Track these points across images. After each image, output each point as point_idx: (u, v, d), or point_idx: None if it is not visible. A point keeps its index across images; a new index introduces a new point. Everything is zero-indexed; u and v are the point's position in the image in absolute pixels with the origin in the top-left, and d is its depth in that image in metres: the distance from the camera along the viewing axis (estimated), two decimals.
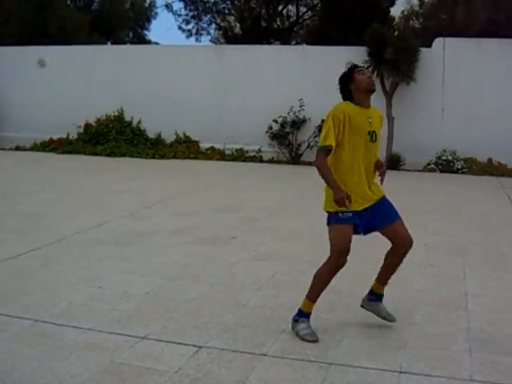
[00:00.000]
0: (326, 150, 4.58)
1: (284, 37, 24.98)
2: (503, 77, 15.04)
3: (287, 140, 15.98)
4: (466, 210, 10.15)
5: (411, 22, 21.25)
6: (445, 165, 14.92)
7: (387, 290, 5.29)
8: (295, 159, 15.98)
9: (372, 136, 4.65)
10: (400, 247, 4.78)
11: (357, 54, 15.33)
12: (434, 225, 8.94)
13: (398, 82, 15.16)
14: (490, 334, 4.82)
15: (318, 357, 4.31)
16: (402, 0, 21.07)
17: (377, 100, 14.99)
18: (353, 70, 4.77)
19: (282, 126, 15.91)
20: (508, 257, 7.25)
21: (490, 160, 15.02)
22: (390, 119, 15.13)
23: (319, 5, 24.16)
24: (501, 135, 14.72)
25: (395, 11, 21.81)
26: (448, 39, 15.44)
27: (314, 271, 6.33)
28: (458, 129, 15.19)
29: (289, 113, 15.84)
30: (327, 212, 4.78)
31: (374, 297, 4.98)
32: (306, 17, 25.61)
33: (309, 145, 15.94)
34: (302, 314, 4.75)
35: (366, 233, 4.82)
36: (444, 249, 7.50)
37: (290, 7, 25.41)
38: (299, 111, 15.79)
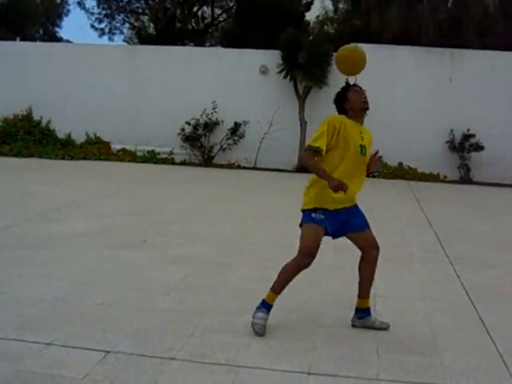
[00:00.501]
0: (314, 151, 4.77)
1: (199, 38, 24.96)
2: (415, 83, 15.51)
3: (199, 142, 16.00)
4: (376, 213, 10.36)
5: (326, 27, 21.62)
6: None
7: (296, 292, 5.45)
8: (207, 162, 16.01)
9: (362, 149, 4.89)
10: (372, 249, 5.16)
11: (271, 58, 15.57)
12: None
13: (310, 86, 15.39)
14: (396, 335, 4.97)
15: (227, 360, 4.35)
16: (318, 5, 21.42)
17: (290, 104, 15.45)
18: (347, 89, 5.03)
19: (195, 128, 15.92)
20: (415, 258, 7.49)
21: (400, 164, 15.48)
22: (303, 123, 15.37)
23: (234, 7, 24.29)
24: (411, 140, 15.22)
25: (310, 16, 22.14)
26: (361, 45, 15.69)
27: (223, 274, 6.45)
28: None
29: (202, 115, 15.86)
30: (302, 212, 4.96)
31: (363, 313, 5.15)
32: (221, 19, 25.67)
33: (221, 147, 16.02)
34: (264, 305, 4.97)
35: (336, 236, 5.10)
36: (353, 251, 7.61)
37: (205, 9, 25.40)
38: (212, 113, 15.84)
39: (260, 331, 4.84)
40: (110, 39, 25.92)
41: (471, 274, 6.86)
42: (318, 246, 4.85)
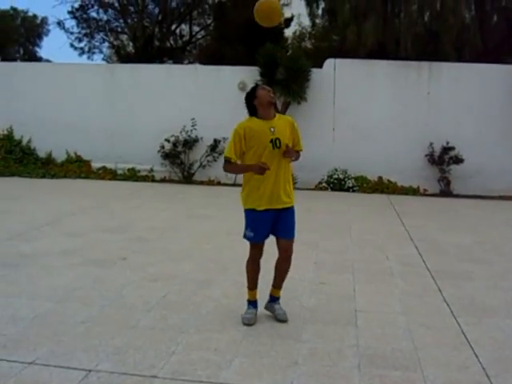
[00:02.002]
0: (228, 161, 5.40)
1: (177, 56, 25.01)
2: (393, 96, 15.60)
3: (179, 159, 15.96)
4: (356, 228, 10.42)
5: (303, 42, 21.72)
6: (336, 183, 15.28)
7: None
8: (187, 178, 15.98)
9: (275, 143, 5.31)
10: (284, 259, 5.63)
11: (249, 74, 15.58)
12: (323, 243, 9.11)
13: (289, 101, 15.42)
14: (378, 350, 4.98)
15: (209, 377, 4.35)
16: (296, 21, 21.54)
17: None
18: (256, 87, 5.48)
19: (175, 145, 15.88)
20: (395, 272, 7.49)
21: (380, 178, 15.51)
22: None
23: (212, 24, 24.38)
24: (390, 154, 15.29)
25: (289, 32, 22.26)
26: (338, 60, 15.86)
27: (204, 291, 6.45)
28: (348, 148, 15.62)
29: (181, 132, 15.84)
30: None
31: (271, 299, 5.79)
32: (199, 36, 25.76)
33: (201, 164, 16.00)
34: (248, 302, 5.64)
35: (268, 235, 5.55)
36: (334, 266, 7.66)
37: (183, 26, 25.48)
38: (191, 130, 15.83)
39: (248, 322, 5.45)
40: (90, 58, 25.95)
41: (452, 287, 6.89)
42: (259, 248, 5.55)
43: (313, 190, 15.32)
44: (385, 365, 4.69)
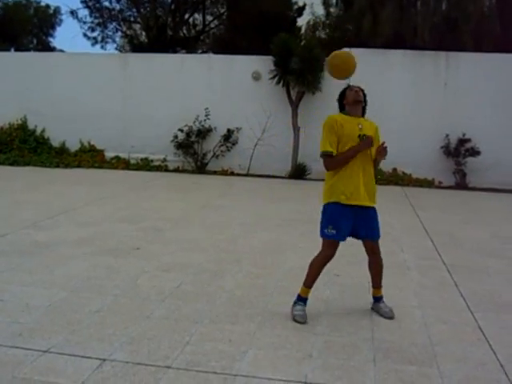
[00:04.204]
0: (327, 155, 5.32)
1: (190, 45, 24.94)
2: (409, 87, 15.49)
3: (193, 149, 15.96)
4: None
5: (317, 32, 21.59)
6: None
7: (291, 300, 5.48)
8: (201, 168, 15.98)
9: (362, 138, 5.30)
10: (371, 261, 5.72)
11: (263, 64, 15.55)
12: None
13: (303, 91, 15.38)
14: (393, 344, 4.92)
15: (223, 368, 4.31)
16: (309, 10, 21.41)
17: (282, 110, 15.44)
18: (346, 88, 5.55)
19: (188, 135, 15.88)
20: (411, 265, 7.44)
21: (394, 170, 15.45)
22: (296, 129, 15.37)
23: (225, 14, 24.29)
24: (406, 145, 15.17)
25: (302, 21, 22.13)
26: (354, 50, 15.73)
27: (217, 282, 6.42)
28: None
29: (194, 122, 15.84)
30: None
31: (374, 300, 5.78)
32: (212, 25, 25.67)
33: (214, 154, 16.00)
34: (299, 298, 5.51)
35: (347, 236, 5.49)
36: (349, 259, 7.59)
37: (196, 16, 25.40)
38: (205, 120, 15.82)
39: (302, 319, 5.32)
40: (103, 48, 25.97)
41: (469, 281, 6.83)
42: (336, 247, 5.46)
43: None
44: (400, 359, 4.64)
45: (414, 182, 15.17)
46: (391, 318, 5.47)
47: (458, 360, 4.67)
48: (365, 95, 5.56)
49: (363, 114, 5.57)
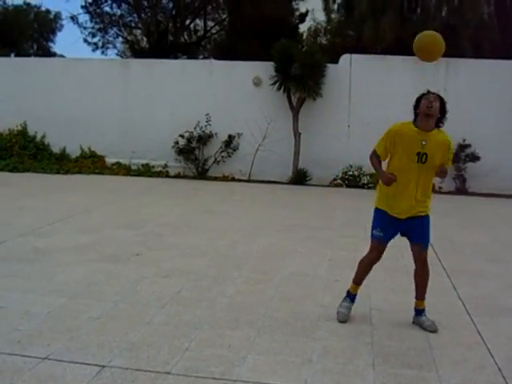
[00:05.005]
0: (375, 152, 5.52)
1: (191, 51, 25.00)
2: (409, 93, 15.40)
3: (194, 155, 15.95)
4: (370, 224, 10.35)
5: (318, 38, 21.65)
6: (351, 180, 15.24)
7: (291, 305, 5.45)
8: (202, 174, 15.97)
9: (421, 157, 5.16)
10: (418, 268, 5.67)
11: (264, 69, 15.57)
12: (338, 240, 9.07)
13: (304, 97, 15.38)
14: (393, 348, 4.96)
15: (222, 374, 4.33)
16: (310, 16, 21.45)
17: (283, 115, 15.45)
18: (422, 95, 5.30)
19: (189, 140, 15.87)
20: (410, 270, 7.35)
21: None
22: (297, 134, 15.38)
23: (227, 19, 24.33)
24: None
25: (304, 27, 22.18)
26: (354, 55, 15.78)
27: (217, 287, 6.44)
28: (363, 144, 15.26)
29: (195, 128, 15.83)
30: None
31: (415, 313, 5.62)
32: (213, 31, 25.72)
33: (215, 160, 16.00)
34: (348, 294, 5.68)
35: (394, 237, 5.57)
36: (349, 264, 7.57)
37: (197, 21, 25.45)
38: (206, 126, 15.81)
39: (341, 318, 5.48)
40: (104, 53, 25.98)
41: (467, 285, 6.84)
42: (382, 250, 5.56)
43: (327, 186, 15.27)
44: (400, 363, 4.66)
45: None
46: (435, 331, 5.36)
47: (457, 363, 4.70)
48: (443, 104, 5.24)
49: (438, 125, 5.27)
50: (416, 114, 5.30)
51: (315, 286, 6.63)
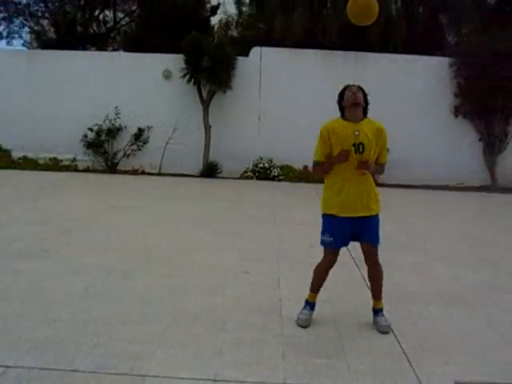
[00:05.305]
0: (315, 163, 5.32)
1: (101, 43, 24.52)
2: (319, 86, 15.68)
3: (103, 148, 15.73)
4: (280, 217, 10.46)
5: (230, 31, 21.66)
6: (262, 172, 15.34)
7: (200, 298, 5.45)
8: (111, 168, 15.76)
9: (358, 147, 5.08)
10: (370, 268, 5.47)
11: (174, 62, 15.48)
12: (248, 232, 9.12)
13: (214, 90, 15.37)
14: (302, 338, 5.02)
15: (131, 369, 4.29)
16: (222, 9, 21.44)
17: (194, 108, 15.38)
18: (344, 89, 5.31)
19: (98, 134, 15.64)
20: (319, 261, 7.55)
21: (305, 167, 15.56)
22: (207, 127, 15.37)
23: (137, 11, 24.00)
24: (314, 143, 15.28)
25: (216, 20, 22.14)
26: (265, 48, 15.87)
27: (127, 282, 6.35)
28: (274, 137, 15.67)
29: (104, 121, 15.61)
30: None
31: (373, 312, 5.48)
32: (123, 23, 25.30)
33: (125, 153, 15.81)
34: (306, 303, 5.46)
35: (348, 242, 5.39)
36: (258, 256, 7.66)
37: (106, 12, 24.99)
38: (115, 119, 15.60)
39: (303, 324, 5.28)
40: (9, 44, 25.15)
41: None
42: (336, 255, 5.37)
43: (238, 178, 15.32)
44: (309, 353, 4.73)
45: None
46: (386, 332, 5.25)
47: (365, 351, 4.81)
48: (365, 95, 5.33)
49: (365, 114, 5.33)
50: (342, 109, 5.30)
51: (225, 278, 6.63)
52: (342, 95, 5.29)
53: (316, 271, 5.48)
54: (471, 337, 5.28)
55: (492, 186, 15.95)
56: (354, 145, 5.07)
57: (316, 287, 5.49)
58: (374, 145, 5.18)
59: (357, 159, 5.07)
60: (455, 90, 15.86)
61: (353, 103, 5.15)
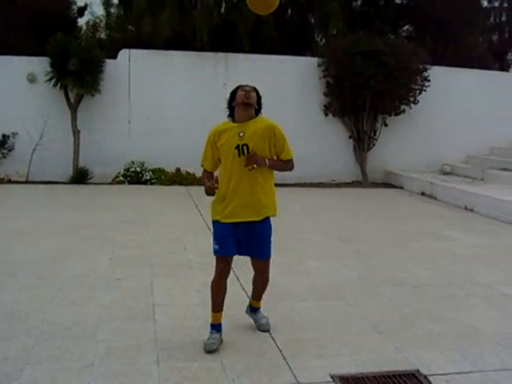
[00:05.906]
0: (203, 167, 5.11)
1: None
2: (189, 88, 15.64)
3: None
4: (153, 221, 10.32)
5: (98, 33, 21.33)
6: (133, 176, 15.08)
7: (71, 309, 5.31)
8: None
9: (242, 149, 4.84)
10: (257, 278, 5.45)
11: (39, 65, 14.98)
12: (120, 238, 8.95)
13: (82, 93, 15.00)
14: (177, 343, 4.97)
15: None
16: (89, 10, 21.08)
17: (61, 113, 14.94)
18: (237, 88, 4.99)
19: None
20: (193, 264, 7.50)
21: (178, 170, 15.49)
22: (76, 133, 14.97)
23: None
24: (187, 145, 15.13)
25: (83, 22, 21.74)
26: (133, 50, 15.64)
27: None
28: (145, 140, 15.48)
29: None
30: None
31: (251, 310, 5.52)
32: None
33: None
34: (211, 326, 5.03)
35: (242, 250, 5.10)
36: (131, 262, 7.54)
37: None
38: None
39: (206, 348, 4.84)
40: None
41: (249, 274, 6.94)
42: (228, 263, 5.10)
43: (110, 184, 15.01)
44: (184, 357, 4.70)
45: (197, 181, 15.21)
46: (267, 331, 5.25)
47: (240, 351, 4.83)
48: (259, 97, 5.06)
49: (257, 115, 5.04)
50: (232, 109, 5.02)
51: (97, 286, 6.46)
52: (233, 94, 5.00)
53: (211, 286, 5.11)
54: (344, 329, 5.43)
55: (363, 182, 16.46)
56: (237, 147, 4.84)
57: (216, 305, 5.08)
58: (265, 144, 4.96)
59: (242, 161, 4.86)
60: (325, 90, 16.21)
61: (244, 102, 4.88)
